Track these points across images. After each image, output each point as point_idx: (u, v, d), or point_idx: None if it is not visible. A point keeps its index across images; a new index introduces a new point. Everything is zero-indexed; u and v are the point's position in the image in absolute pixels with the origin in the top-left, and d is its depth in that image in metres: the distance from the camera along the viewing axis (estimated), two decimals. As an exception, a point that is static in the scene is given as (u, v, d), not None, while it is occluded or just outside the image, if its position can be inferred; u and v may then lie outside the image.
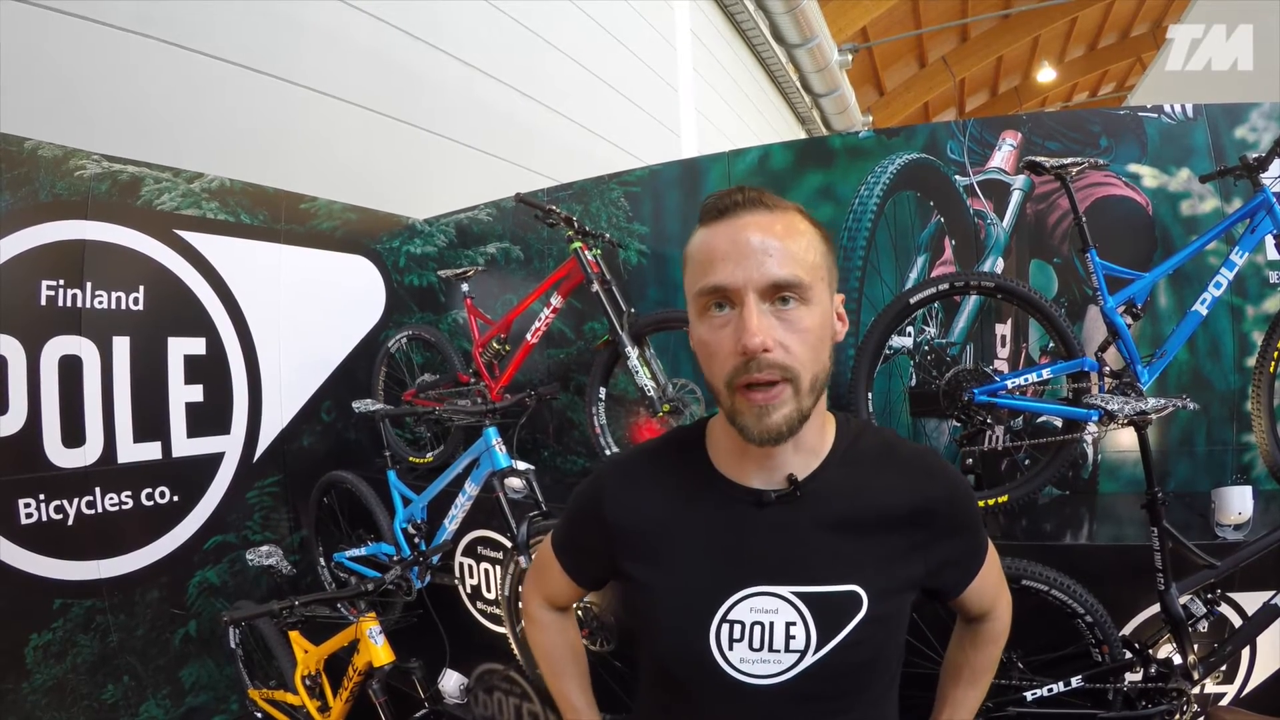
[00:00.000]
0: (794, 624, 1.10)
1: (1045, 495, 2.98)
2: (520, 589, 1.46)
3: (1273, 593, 2.18)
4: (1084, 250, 2.57)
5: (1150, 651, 2.17)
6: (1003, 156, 3.24)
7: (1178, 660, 2.14)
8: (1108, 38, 18.36)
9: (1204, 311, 2.59)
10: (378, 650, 2.56)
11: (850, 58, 12.75)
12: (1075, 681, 2.16)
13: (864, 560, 1.14)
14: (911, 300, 2.67)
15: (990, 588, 1.34)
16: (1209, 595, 2.16)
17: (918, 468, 1.22)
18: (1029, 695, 2.18)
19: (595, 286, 3.20)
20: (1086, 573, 2.24)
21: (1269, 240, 2.68)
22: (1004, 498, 2.62)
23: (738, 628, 1.11)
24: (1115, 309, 2.56)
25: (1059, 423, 2.79)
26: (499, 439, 3.05)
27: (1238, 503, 2.46)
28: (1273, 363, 2.64)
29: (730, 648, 1.11)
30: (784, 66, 11.02)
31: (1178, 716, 2.12)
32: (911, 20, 14.85)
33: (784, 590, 1.12)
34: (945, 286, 2.66)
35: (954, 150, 3.26)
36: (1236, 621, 2.26)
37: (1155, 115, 3.12)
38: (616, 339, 3.15)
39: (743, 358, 1.03)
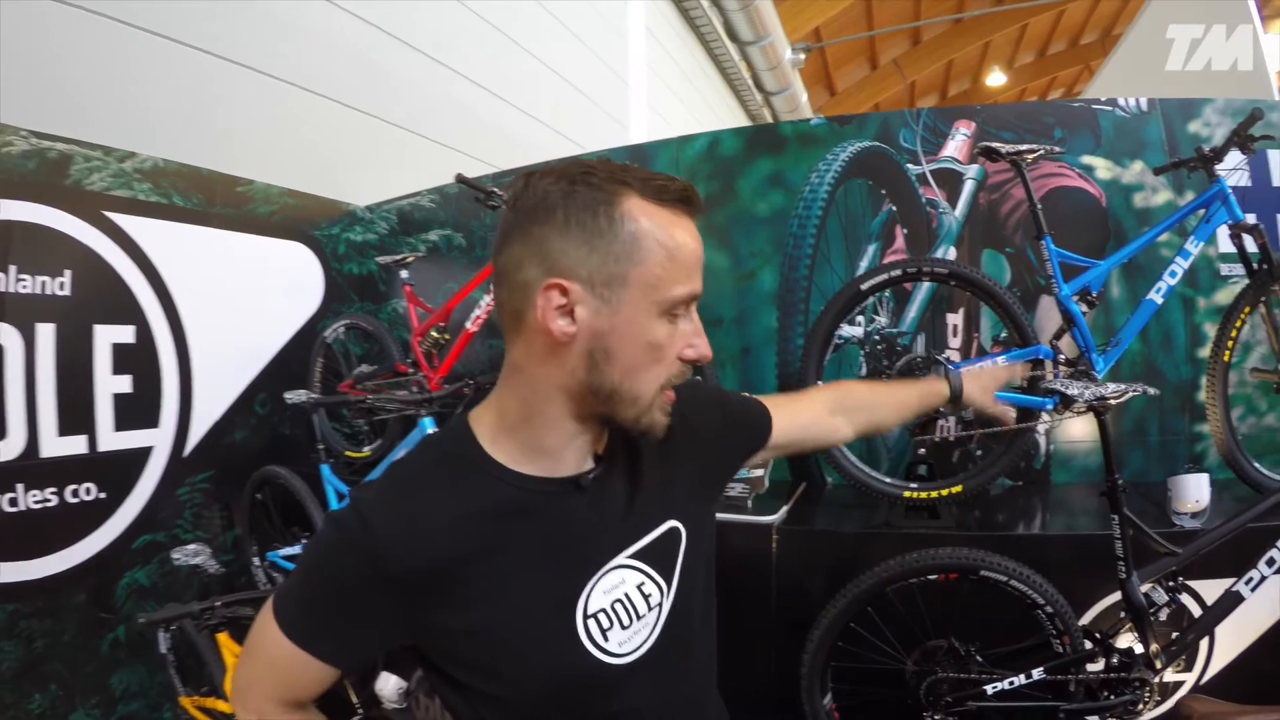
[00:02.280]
0: (643, 583, 1.10)
1: (998, 486, 2.97)
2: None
3: (1234, 579, 2.16)
4: (1039, 237, 2.55)
5: (1111, 641, 2.14)
6: (956, 146, 3.24)
7: (1139, 649, 2.11)
8: (1057, 44, 18.67)
9: (1159, 300, 2.59)
10: (304, 655, 2.43)
11: (803, 57, 12.76)
12: (1037, 674, 2.12)
13: (670, 494, 1.16)
14: (863, 286, 2.62)
15: (792, 403, 1.51)
16: (1171, 583, 2.14)
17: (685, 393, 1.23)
18: (989, 689, 2.13)
19: (538, 271, 3.06)
20: (1042, 563, 2.21)
21: (1222, 232, 2.68)
22: (958, 488, 2.60)
23: (603, 616, 1.05)
24: (1070, 296, 2.54)
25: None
26: (435, 430, 2.93)
27: (1194, 490, 2.45)
28: (1227, 352, 2.64)
29: (605, 639, 1.05)
30: (736, 64, 11.01)
31: (1141, 706, 2.09)
32: (865, 22, 14.93)
33: (621, 558, 1.09)
34: (898, 272, 2.61)
35: (907, 139, 3.25)
36: (1194, 610, 2.25)
37: (1109, 108, 3.16)
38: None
39: (690, 364, 1.05)
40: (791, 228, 3.24)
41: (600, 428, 1.09)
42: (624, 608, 1.06)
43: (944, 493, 2.61)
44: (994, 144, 2.55)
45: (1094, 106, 3.21)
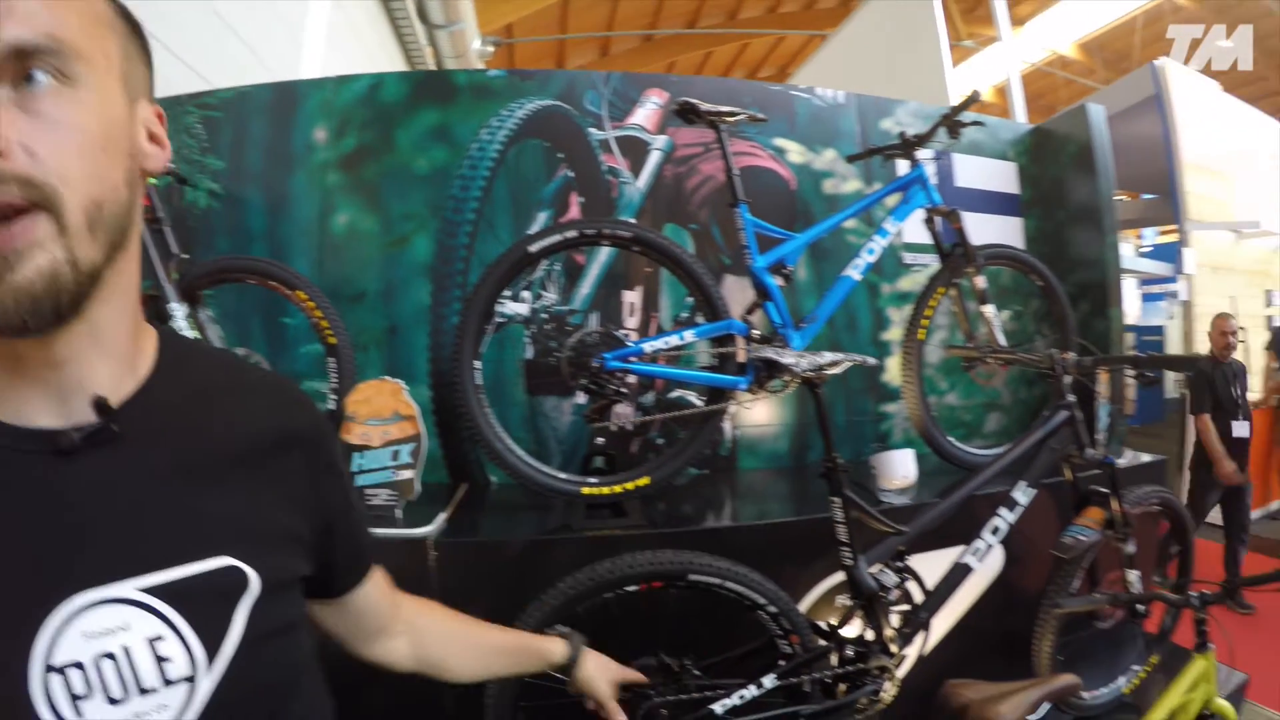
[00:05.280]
0: (161, 639, 0.67)
1: (684, 476, 2.73)
2: None
3: (961, 549, 2.10)
4: (734, 204, 2.32)
5: (842, 632, 1.95)
6: (645, 114, 3.01)
7: (871, 636, 1.94)
8: (736, 74, 19.71)
9: (857, 277, 2.50)
10: None
11: (491, 50, 12.35)
12: (769, 681, 1.83)
13: (232, 516, 0.76)
14: (532, 248, 2.20)
15: (388, 588, 1.09)
16: (899, 563, 2.00)
17: (273, 386, 0.89)
18: (719, 708, 1.80)
19: (137, 221, 2.37)
20: (749, 556, 1.94)
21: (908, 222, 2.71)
22: (645, 480, 2.28)
23: (77, 676, 0.63)
24: (765, 269, 2.34)
25: (694, 397, 2.70)
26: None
27: (900, 466, 2.48)
28: (921, 331, 2.66)
29: (78, 713, 0.63)
30: (422, 48, 10.47)
31: (883, 694, 1.91)
32: (558, 25, 14.90)
33: (127, 588, 0.67)
34: (573, 234, 2.23)
35: (593, 102, 2.96)
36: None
37: (807, 96, 3.19)
38: (160, 294, 2.35)
39: None
40: (453, 189, 2.80)
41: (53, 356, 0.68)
42: (117, 670, 0.65)
43: (629, 486, 2.27)
44: (693, 100, 2.28)
45: (792, 92, 3.21)
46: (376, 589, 1.04)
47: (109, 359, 0.72)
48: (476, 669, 1.22)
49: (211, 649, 0.70)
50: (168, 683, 0.67)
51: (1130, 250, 10.94)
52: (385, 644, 1.10)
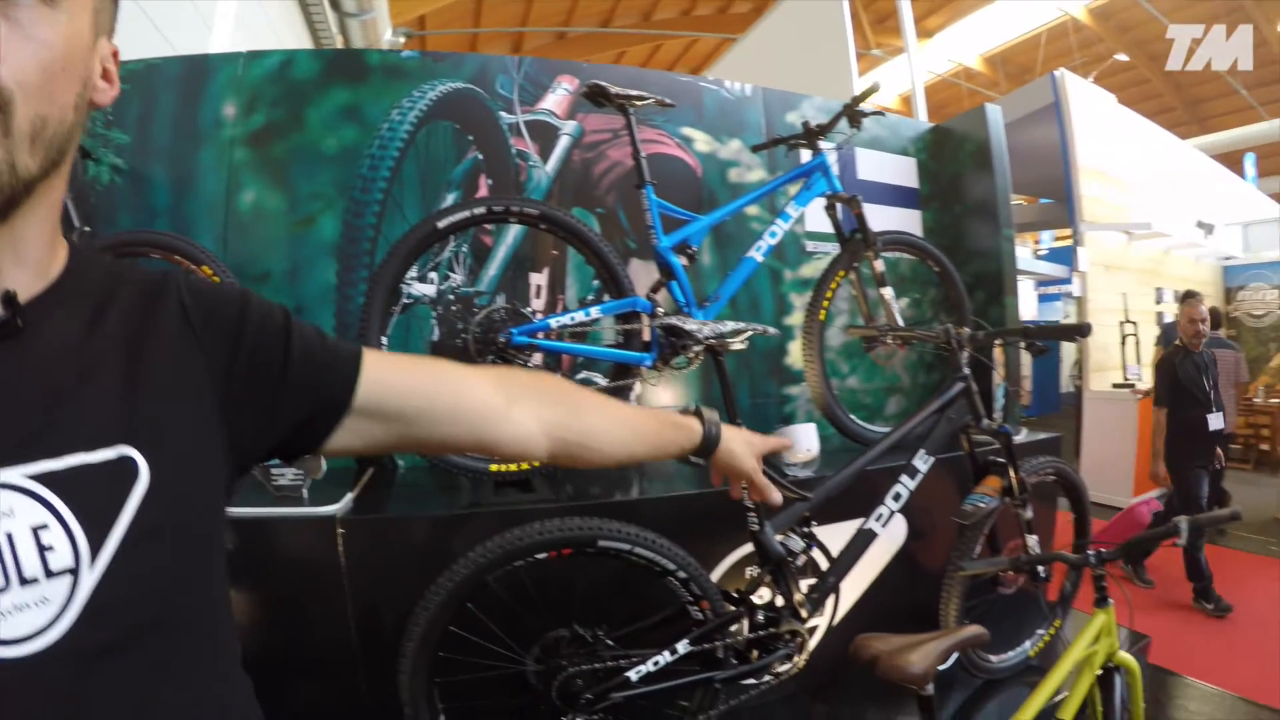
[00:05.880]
0: (45, 527, 0.64)
1: None
2: None
3: (862, 519, 2.17)
4: (640, 186, 2.34)
5: (752, 598, 1.98)
6: (556, 99, 3.04)
7: (781, 602, 1.99)
8: (650, 73, 19.71)
9: (759, 259, 2.54)
10: None
11: (403, 40, 12.19)
12: (682, 647, 1.86)
13: (128, 407, 0.72)
14: (440, 224, 2.19)
15: (420, 360, 1.01)
16: (804, 530, 2.06)
17: (169, 277, 0.83)
18: (633, 674, 1.81)
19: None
20: (657, 529, 1.95)
21: (809, 213, 2.87)
22: None
23: None
24: (669, 249, 2.36)
25: (600, 379, 2.70)
26: None
27: (805, 440, 2.55)
28: (822, 312, 2.72)
29: None
30: (333, 36, 10.30)
31: (796, 657, 1.97)
32: (472, 19, 14.76)
33: (14, 474, 0.63)
34: (482, 210, 2.23)
35: (504, 86, 2.97)
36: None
37: (715, 88, 3.27)
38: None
39: None
40: (362, 169, 2.77)
41: None
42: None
43: (536, 463, 2.24)
44: (603, 83, 2.31)
45: (700, 84, 3.27)
46: (402, 373, 0.95)
47: (24, 266, 0.72)
48: (619, 449, 1.13)
49: (96, 541, 0.67)
50: (50, 574, 0.65)
51: (1028, 253, 11.36)
52: (501, 429, 1.01)
